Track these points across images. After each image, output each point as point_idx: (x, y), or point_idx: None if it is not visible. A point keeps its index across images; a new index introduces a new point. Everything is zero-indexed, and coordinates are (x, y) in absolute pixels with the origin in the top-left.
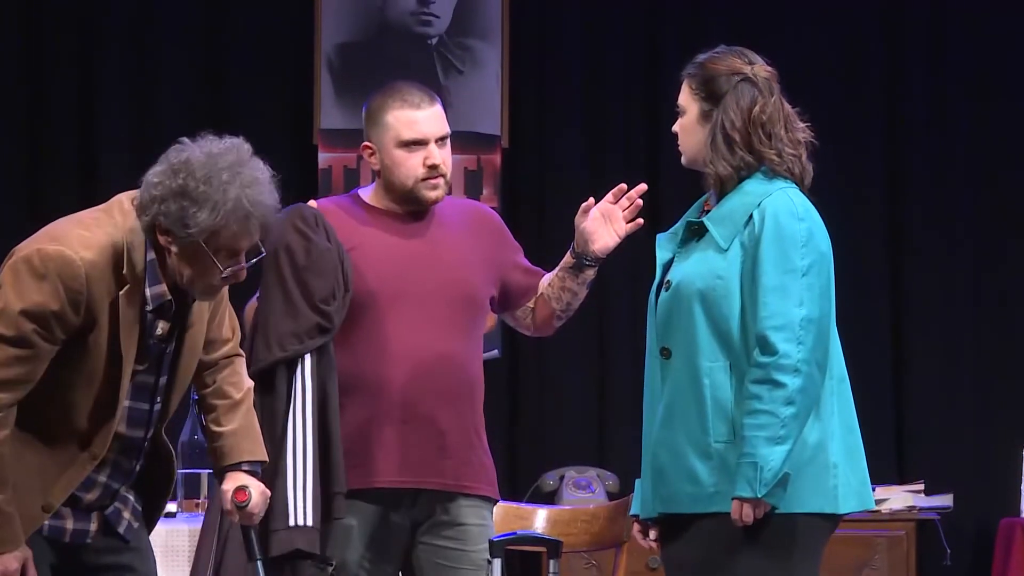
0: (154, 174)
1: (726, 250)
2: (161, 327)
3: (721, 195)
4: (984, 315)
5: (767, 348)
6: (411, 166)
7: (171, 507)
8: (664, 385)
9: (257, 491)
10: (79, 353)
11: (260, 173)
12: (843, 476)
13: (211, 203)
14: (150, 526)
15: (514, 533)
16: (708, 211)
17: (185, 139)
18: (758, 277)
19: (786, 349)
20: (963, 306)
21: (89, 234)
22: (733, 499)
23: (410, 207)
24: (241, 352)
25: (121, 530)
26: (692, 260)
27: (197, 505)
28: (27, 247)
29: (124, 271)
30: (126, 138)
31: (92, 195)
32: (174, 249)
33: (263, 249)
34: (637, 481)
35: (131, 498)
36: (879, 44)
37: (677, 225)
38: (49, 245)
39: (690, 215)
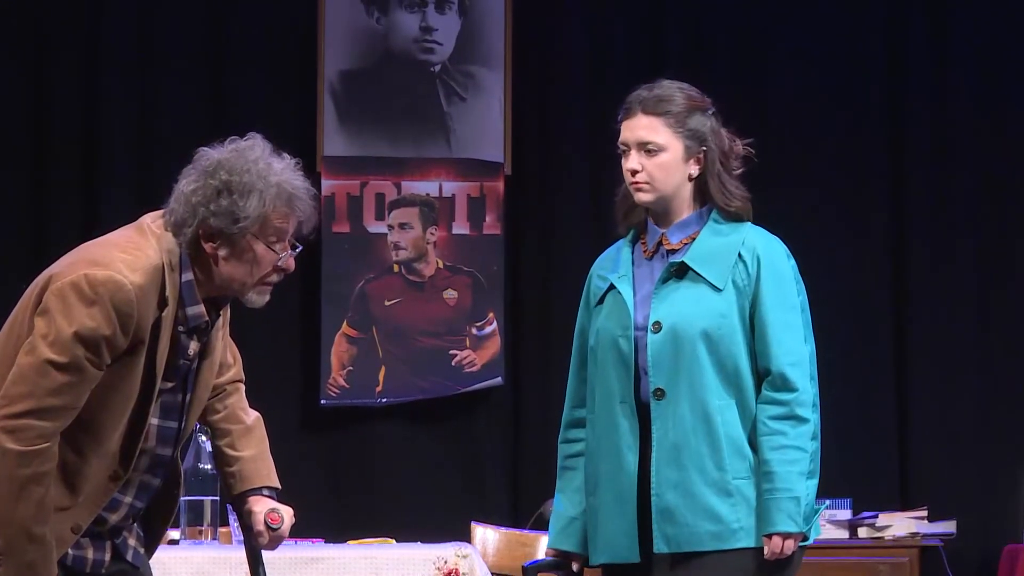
0: (186, 186)
1: (722, 290)
2: (193, 347)
3: (666, 228)
4: (987, 341)
5: (787, 385)
6: None
7: (174, 534)
8: (656, 426)
9: (288, 515)
10: (118, 375)
11: (287, 160)
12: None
13: (256, 190)
14: (151, 551)
15: (536, 561)
16: (675, 249)
17: (204, 148)
18: (764, 315)
19: (804, 385)
20: (967, 332)
21: (132, 257)
22: (773, 534)
23: None
24: (243, 378)
25: (129, 557)
26: (683, 300)
27: (200, 532)
28: (69, 273)
29: (166, 292)
30: (129, 165)
31: (95, 227)
32: (222, 253)
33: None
34: (558, 515)
35: (135, 525)
36: (881, 53)
37: (623, 266)
38: (96, 270)
39: (625, 255)
